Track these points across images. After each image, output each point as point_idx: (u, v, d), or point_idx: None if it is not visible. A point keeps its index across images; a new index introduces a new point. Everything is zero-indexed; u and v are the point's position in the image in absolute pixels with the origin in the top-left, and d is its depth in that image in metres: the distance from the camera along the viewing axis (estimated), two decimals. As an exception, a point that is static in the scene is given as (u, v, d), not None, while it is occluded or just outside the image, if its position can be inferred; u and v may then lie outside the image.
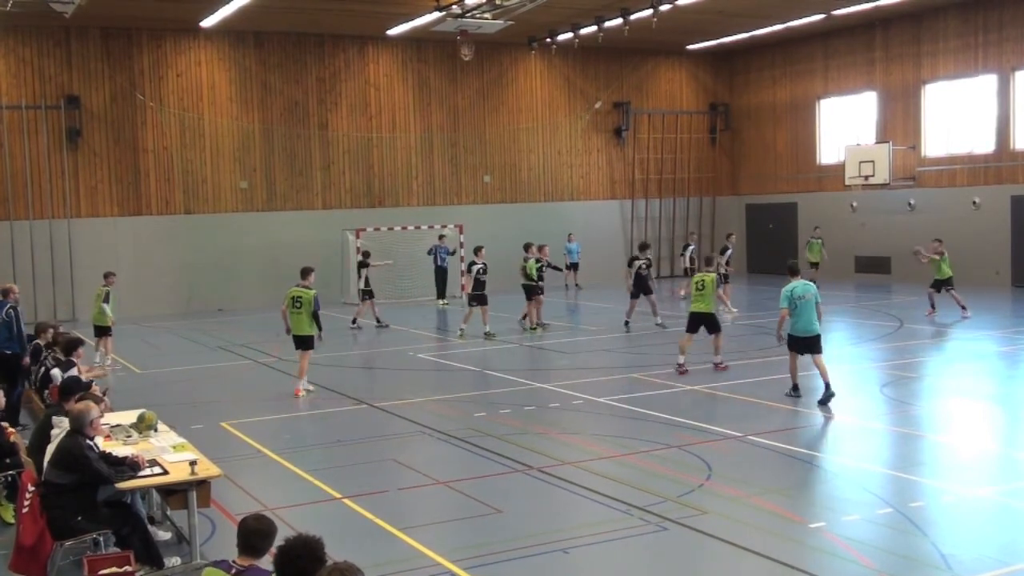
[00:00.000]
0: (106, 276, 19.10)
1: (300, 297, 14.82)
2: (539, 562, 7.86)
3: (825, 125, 33.20)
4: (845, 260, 31.30)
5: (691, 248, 27.28)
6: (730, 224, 35.78)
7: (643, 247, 22.26)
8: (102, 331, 18.70)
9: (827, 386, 13.11)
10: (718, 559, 7.97)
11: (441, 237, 28.18)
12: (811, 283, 13.75)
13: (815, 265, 28.98)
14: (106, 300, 18.51)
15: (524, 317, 21.74)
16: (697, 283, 16.12)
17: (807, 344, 13.35)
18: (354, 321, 23.00)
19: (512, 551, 8.05)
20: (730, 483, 9.75)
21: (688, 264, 26.49)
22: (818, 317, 13.36)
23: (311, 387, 15.25)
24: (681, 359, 15.71)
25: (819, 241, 29.77)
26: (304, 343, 14.91)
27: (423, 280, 28.86)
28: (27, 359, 13.29)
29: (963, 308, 21.15)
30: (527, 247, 22.15)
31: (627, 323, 21.26)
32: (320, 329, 14.92)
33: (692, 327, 15.93)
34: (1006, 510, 9.02)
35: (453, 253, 27.92)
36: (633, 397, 14.06)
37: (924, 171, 29.49)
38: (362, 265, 23.59)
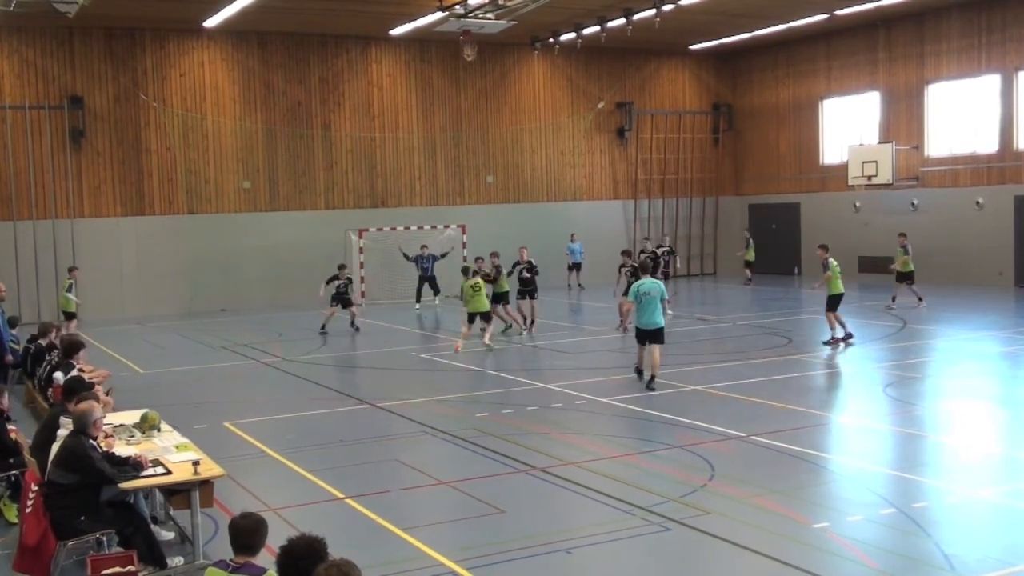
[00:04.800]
0: (70, 270, 22.85)
1: (478, 284, 19.17)
2: (542, 562, 7.85)
3: (828, 125, 33.16)
4: (848, 260, 31.01)
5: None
6: (732, 224, 35.78)
7: (627, 252, 23.18)
8: (69, 316, 21.81)
9: (652, 377, 14.56)
10: (721, 559, 7.97)
11: (423, 246, 27.67)
12: (658, 281, 15.28)
13: (750, 264, 31.95)
14: (69, 290, 21.83)
15: (509, 325, 21.71)
16: (836, 269, 19.03)
17: (650, 335, 14.83)
18: (352, 323, 22.72)
19: (515, 551, 8.05)
20: (733, 483, 9.74)
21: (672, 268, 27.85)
22: (664, 312, 14.89)
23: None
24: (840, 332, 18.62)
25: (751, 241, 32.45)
26: (487, 316, 19.30)
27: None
28: (9, 356, 14.52)
29: (920, 300, 23.39)
30: (494, 255, 21.96)
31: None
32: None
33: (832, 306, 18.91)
34: (1009, 511, 9.01)
35: (443, 256, 27.50)
36: (635, 397, 14.06)
37: (927, 171, 29.46)
38: (334, 278, 22.33)
